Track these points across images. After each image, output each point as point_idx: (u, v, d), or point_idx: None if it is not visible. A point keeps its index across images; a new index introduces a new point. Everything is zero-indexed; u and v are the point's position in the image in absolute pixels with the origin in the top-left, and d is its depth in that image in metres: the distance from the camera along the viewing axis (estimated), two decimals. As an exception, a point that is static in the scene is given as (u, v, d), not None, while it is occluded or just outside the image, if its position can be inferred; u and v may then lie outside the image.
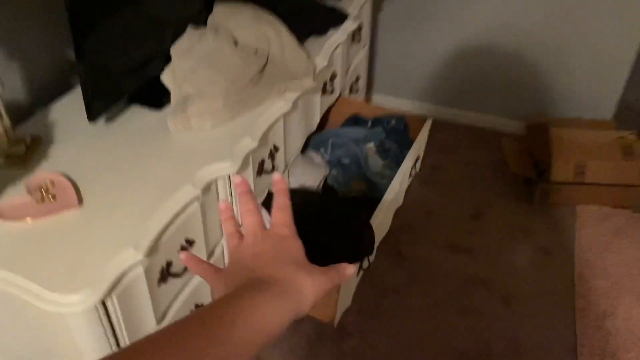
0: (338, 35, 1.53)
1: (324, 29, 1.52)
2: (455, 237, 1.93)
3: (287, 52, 1.33)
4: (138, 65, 1.20)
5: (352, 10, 1.66)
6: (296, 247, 0.50)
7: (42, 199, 0.95)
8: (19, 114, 1.18)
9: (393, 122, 1.66)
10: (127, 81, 1.17)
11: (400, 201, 1.60)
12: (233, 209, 0.55)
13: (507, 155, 2.11)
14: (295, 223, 0.52)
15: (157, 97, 1.20)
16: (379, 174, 1.52)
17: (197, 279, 1.09)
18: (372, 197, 1.49)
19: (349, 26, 1.58)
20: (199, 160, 1.05)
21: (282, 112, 1.23)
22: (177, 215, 0.97)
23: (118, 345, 0.91)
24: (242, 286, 0.44)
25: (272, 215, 0.52)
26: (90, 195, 0.97)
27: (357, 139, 1.61)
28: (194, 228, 1.03)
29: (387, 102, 2.56)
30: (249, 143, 1.12)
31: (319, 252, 1.18)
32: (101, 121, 1.16)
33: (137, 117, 1.18)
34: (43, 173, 1.00)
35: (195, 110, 1.12)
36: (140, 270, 0.89)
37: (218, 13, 1.34)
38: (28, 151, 1.05)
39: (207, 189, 1.05)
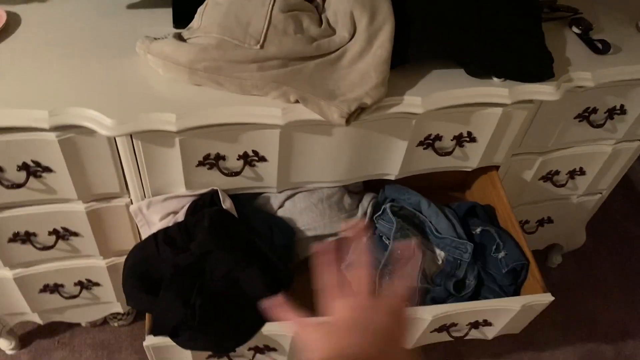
0: (498, 92, 0.95)
1: (494, 70, 0.96)
2: None
3: (363, 62, 0.90)
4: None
5: (586, 78, 1.00)
6: (404, 328, 0.45)
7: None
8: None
9: (502, 255, 1.04)
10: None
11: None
12: (334, 252, 0.47)
13: None
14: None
15: (186, 11, 0.97)
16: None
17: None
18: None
19: (543, 92, 0.97)
20: (98, 95, 0.84)
21: (265, 122, 0.87)
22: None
23: None
24: None
25: (393, 284, 0.47)
26: None
27: (432, 231, 1.08)
28: (46, 155, 0.87)
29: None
30: (166, 120, 0.83)
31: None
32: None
33: (161, 17, 0.99)
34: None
35: (158, 48, 0.87)
36: None
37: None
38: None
39: (88, 132, 0.85)
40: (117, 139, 0.87)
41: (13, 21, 0.95)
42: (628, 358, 1.53)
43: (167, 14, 0.99)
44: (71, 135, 0.85)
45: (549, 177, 1.25)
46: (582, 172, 1.27)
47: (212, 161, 0.93)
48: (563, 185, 1.29)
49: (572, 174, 1.27)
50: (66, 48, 0.92)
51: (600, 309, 1.62)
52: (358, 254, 0.48)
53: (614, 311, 1.61)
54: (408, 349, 0.44)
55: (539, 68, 0.97)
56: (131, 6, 1.01)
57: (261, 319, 0.89)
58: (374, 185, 1.16)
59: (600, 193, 1.38)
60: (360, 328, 0.43)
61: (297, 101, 0.87)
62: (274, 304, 0.47)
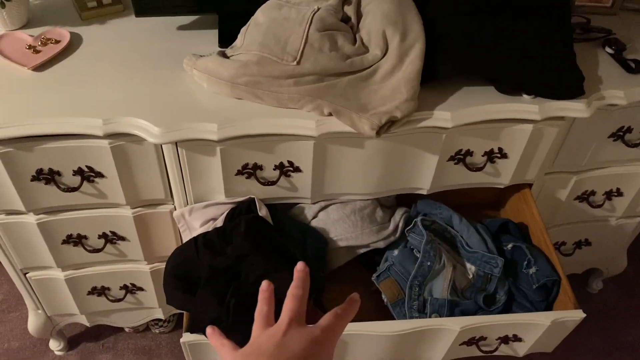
0: (528, 108, 0.97)
1: (522, 86, 0.99)
2: None
3: (394, 78, 0.94)
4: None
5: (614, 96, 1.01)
6: (324, 358, 0.47)
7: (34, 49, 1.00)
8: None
9: (533, 270, 1.04)
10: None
11: None
12: (273, 290, 0.54)
13: None
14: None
15: (230, 31, 1.04)
16: (423, 303, 1.02)
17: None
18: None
19: (573, 109, 0.98)
20: (147, 106, 0.92)
21: (299, 133, 0.92)
22: (66, 136, 0.91)
23: None
24: None
25: (323, 318, 0.50)
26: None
27: (463, 245, 1.09)
28: (99, 161, 0.95)
29: None
30: (208, 130, 0.90)
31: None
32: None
33: (208, 37, 1.07)
34: (64, 32, 1.04)
35: (203, 64, 0.94)
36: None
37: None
38: (100, 8, 1.09)
39: (138, 140, 0.92)
40: (163, 147, 0.94)
41: (75, 40, 1.04)
42: (673, 390, 1.47)
43: (213, 34, 1.07)
44: (122, 142, 0.93)
45: (585, 197, 1.25)
46: (619, 193, 1.26)
47: (250, 170, 0.99)
48: (600, 206, 1.28)
49: (608, 195, 1.26)
50: (121, 64, 1.00)
51: (643, 338, 1.57)
52: (292, 287, 0.51)
53: (658, 341, 1.56)
54: None
55: (569, 85, 0.99)
56: (181, 27, 1.09)
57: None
58: (408, 201, 1.19)
59: (641, 216, 1.36)
60: (271, 354, 0.45)
61: (330, 114, 0.92)
62: (209, 332, 0.54)
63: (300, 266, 0.54)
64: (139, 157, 0.96)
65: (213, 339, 0.53)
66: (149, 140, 0.90)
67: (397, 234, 1.12)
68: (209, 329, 0.54)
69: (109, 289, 1.25)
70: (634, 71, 1.05)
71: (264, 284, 0.53)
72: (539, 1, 1.03)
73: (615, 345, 1.56)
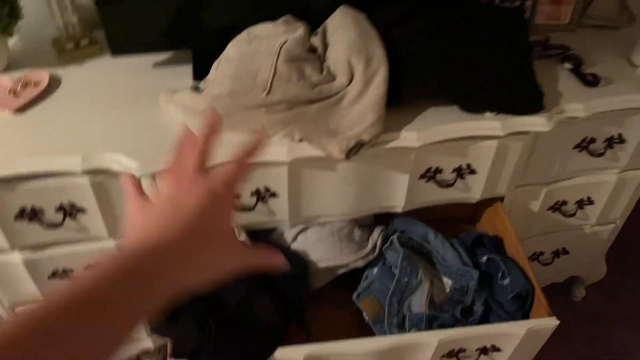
0: (491, 125, 1.02)
1: (482, 104, 1.03)
2: None
3: (361, 103, 0.98)
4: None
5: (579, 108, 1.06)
6: (225, 217, 0.44)
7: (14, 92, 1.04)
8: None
9: (507, 281, 1.07)
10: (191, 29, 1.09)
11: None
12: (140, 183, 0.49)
13: None
14: None
15: (204, 66, 1.08)
16: (403, 319, 1.05)
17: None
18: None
19: (534, 123, 1.03)
20: (125, 141, 0.95)
21: (273, 159, 0.96)
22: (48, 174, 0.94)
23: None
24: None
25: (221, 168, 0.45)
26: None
27: (439, 260, 1.12)
28: (80, 197, 0.98)
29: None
30: (184, 162, 0.93)
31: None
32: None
33: (182, 72, 1.11)
34: (43, 74, 1.08)
35: (178, 99, 0.98)
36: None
37: (336, 17, 1.06)
38: (78, 50, 1.13)
39: (117, 175, 0.96)
40: (141, 179, 0.97)
41: (55, 82, 1.08)
42: (660, 393, 1.49)
43: (187, 69, 1.11)
44: (102, 177, 0.96)
45: (557, 207, 1.29)
46: (590, 201, 1.30)
47: (227, 198, 1.02)
48: (573, 215, 1.31)
49: (580, 204, 1.30)
50: (98, 102, 1.04)
51: (629, 342, 1.59)
52: (185, 134, 0.47)
53: (645, 345, 1.59)
54: (239, 257, 0.43)
55: (530, 101, 1.03)
56: (157, 64, 1.14)
57: (273, 344, 0.95)
58: (387, 220, 1.22)
59: (614, 223, 1.39)
60: (170, 210, 0.42)
61: (301, 139, 0.96)
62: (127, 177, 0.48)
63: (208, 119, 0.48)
64: (119, 192, 0.99)
65: (128, 182, 0.48)
66: (135, 172, 0.93)
67: (376, 252, 1.15)
68: (124, 176, 0.49)
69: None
70: (591, 84, 1.10)
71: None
72: (497, 24, 1.08)
73: (602, 350, 1.58)
